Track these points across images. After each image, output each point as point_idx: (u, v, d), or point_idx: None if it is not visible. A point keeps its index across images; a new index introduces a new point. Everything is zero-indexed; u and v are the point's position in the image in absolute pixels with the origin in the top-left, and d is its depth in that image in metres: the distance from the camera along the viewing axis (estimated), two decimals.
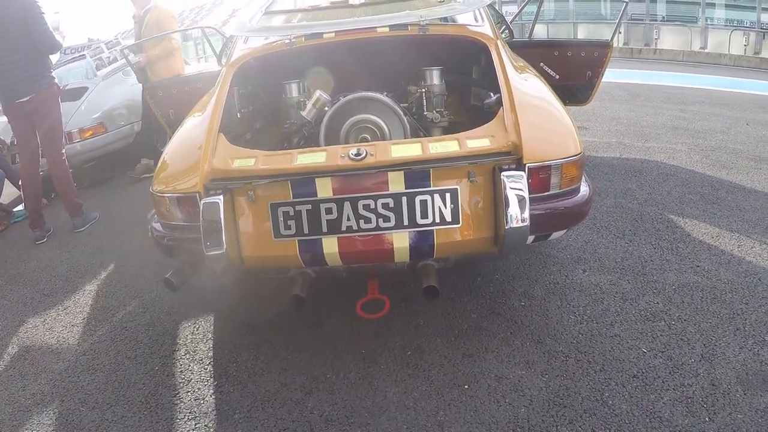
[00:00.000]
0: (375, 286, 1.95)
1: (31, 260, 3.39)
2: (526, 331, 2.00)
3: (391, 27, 2.17)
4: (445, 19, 2.40)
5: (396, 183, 1.66)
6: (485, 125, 1.80)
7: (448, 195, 1.67)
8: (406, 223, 1.68)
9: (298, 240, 1.73)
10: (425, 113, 2.32)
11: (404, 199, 1.66)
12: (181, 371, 2.04)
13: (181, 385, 1.96)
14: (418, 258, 1.76)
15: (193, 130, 2.05)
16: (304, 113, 2.20)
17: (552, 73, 3.69)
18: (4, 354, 2.37)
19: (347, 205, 1.68)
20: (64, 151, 3.63)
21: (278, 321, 2.22)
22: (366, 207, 1.68)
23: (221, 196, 1.67)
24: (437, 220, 1.68)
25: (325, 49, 2.26)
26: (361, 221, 1.69)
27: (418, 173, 1.65)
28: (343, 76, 2.54)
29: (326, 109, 2.14)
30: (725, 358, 1.80)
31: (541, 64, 3.67)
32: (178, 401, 1.88)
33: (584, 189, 1.84)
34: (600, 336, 1.95)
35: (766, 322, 1.97)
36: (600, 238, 2.69)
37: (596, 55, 3.60)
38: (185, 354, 2.13)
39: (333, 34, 2.19)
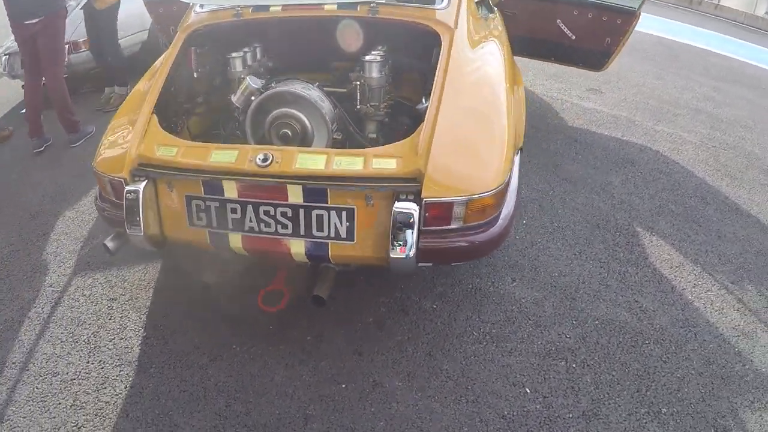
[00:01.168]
0: (282, 276, 2.17)
1: (26, 176, 3.81)
2: (423, 339, 2.19)
3: (340, 5, 2.21)
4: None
5: (295, 195, 1.79)
6: (400, 142, 1.85)
7: (344, 213, 1.79)
8: (302, 233, 1.85)
9: (208, 231, 1.96)
10: (358, 106, 2.34)
11: (302, 211, 1.82)
12: (120, 317, 2.41)
13: (118, 331, 2.34)
14: (316, 262, 1.94)
15: (134, 105, 2.23)
16: (234, 99, 2.29)
17: (568, 32, 3.49)
18: None
19: (250, 209, 1.86)
20: (65, 68, 3.90)
21: (216, 286, 2.51)
22: (266, 213, 1.85)
23: (143, 184, 1.89)
24: (332, 234, 1.83)
25: (271, 23, 2.32)
26: (262, 224, 1.87)
27: (316, 189, 1.77)
28: (288, 54, 2.62)
29: (253, 98, 2.20)
30: (606, 423, 1.83)
31: (558, 21, 3.46)
32: (112, 347, 2.27)
33: (500, 221, 1.86)
34: (491, 362, 2.09)
35: (672, 391, 1.95)
36: (548, 242, 2.73)
37: (619, 23, 3.32)
38: (128, 300, 2.50)
39: (280, 8, 2.23)
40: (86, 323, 2.41)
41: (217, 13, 2.39)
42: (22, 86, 4.28)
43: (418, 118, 2.29)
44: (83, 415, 2.02)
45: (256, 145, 2.22)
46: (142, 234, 1.91)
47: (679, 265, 2.59)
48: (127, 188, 1.89)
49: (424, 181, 1.68)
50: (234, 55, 2.49)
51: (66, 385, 2.15)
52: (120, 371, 2.16)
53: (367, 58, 2.28)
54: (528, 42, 3.90)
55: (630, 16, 3.29)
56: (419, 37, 2.26)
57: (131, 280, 2.62)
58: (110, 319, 2.41)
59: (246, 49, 2.54)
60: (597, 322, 2.25)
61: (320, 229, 1.82)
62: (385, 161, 1.75)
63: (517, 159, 2.10)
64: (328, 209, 1.79)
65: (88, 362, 2.22)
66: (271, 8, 2.27)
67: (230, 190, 1.85)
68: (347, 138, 2.31)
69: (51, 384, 2.17)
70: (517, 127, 2.11)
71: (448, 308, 2.33)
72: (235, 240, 1.93)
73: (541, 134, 3.91)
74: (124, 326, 2.36)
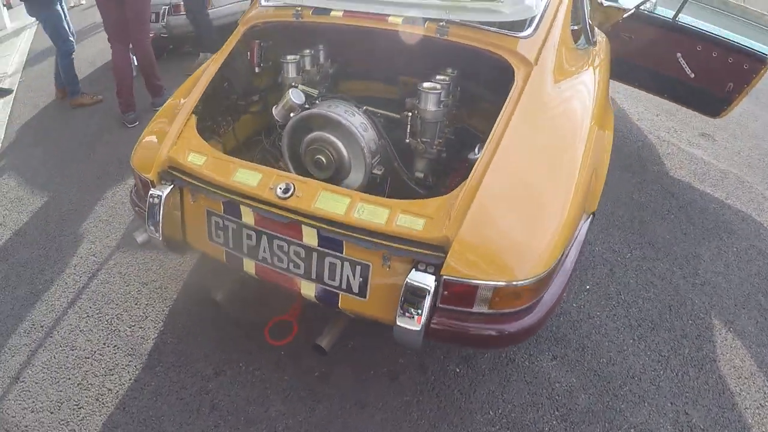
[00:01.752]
0: (297, 307, 2.09)
1: (103, 136, 4.01)
2: (433, 405, 2.02)
3: (405, 19, 2.01)
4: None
5: (309, 237, 1.67)
6: (434, 199, 1.63)
7: (358, 268, 1.64)
8: (313, 277, 1.73)
9: (225, 250, 1.89)
10: (408, 140, 2.14)
11: (315, 255, 1.70)
12: (146, 304, 2.46)
13: (140, 318, 2.39)
14: (325, 306, 1.82)
15: (184, 95, 2.22)
16: (274, 111, 2.15)
17: (687, 69, 3.11)
18: (43, 230, 3.01)
19: (264, 239, 1.78)
20: (151, 34, 4.02)
21: (233, 300, 2.47)
22: (280, 248, 1.76)
23: (167, 189, 1.86)
24: (344, 286, 1.69)
25: (331, 29, 2.20)
26: (275, 258, 1.78)
27: (331, 237, 1.62)
28: (350, 61, 2.51)
29: (291, 115, 2.08)
30: None
31: (678, 54, 3.08)
32: (130, 333, 2.33)
33: (540, 308, 1.59)
34: None
35: None
36: (607, 319, 2.42)
37: (746, 68, 2.89)
38: (158, 288, 2.54)
39: (341, 13, 2.12)
40: (114, 302, 2.48)
41: (278, 10, 2.28)
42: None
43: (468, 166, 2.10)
44: (85, 397, 2.08)
45: (290, 165, 2.15)
46: (160, 238, 1.90)
47: (750, 376, 2.21)
48: (152, 191, 1.87)
49: (449, 255, 1.48)
50: (289, 58, 2.38)
51: (79, 362, 2.22)
52: (129, 362, 2.20)
53: (425, 85, 2.06)
54: (641, 71, 3.51)
55: (759, 63, 2.83)
56: (494, 68, 1.99)
57: (167, 267, 2.67)
58: (136, 304, 2.47)
59: (306, 52, 2.43)
60: (633, 431, 1.96)
61: (332, 278, 1.69)
62: (411, 219, 1.56)
63: (584, 226, 1.83)
64: (342, 260, 1.65)
65: (104, 344, 2.28)
66: (332, 13, 2.13)
67: (247, 215, 1.76)
68: (390, 174, 2.12)
69: (67, 357, 2.25)
70: (592, 188, 1.85)
71: (472, 376, 2.13)
72: (249, 266, 1.86)
73: (635, 181, 3.51)
74: (147, 315, 2.40)
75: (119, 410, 2.03)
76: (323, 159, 1.98)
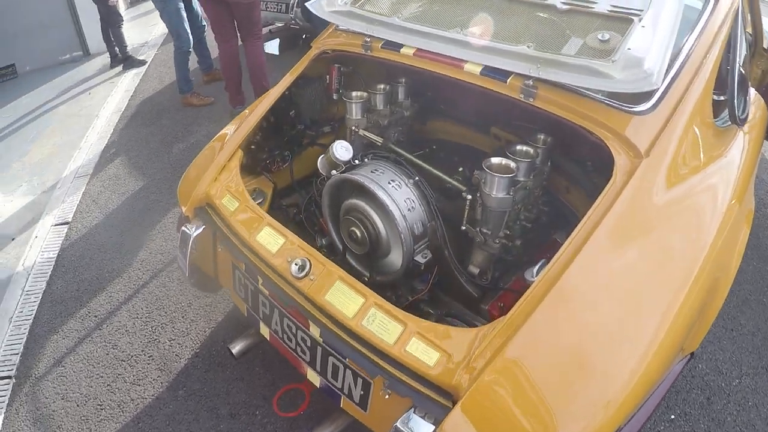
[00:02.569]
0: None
1: (214, 129, 4.20)
2: None
3: (484, 70, 1.71)
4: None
5: (315, 329, 1.53)
6: (462, 330, 1.34)
7: (360, 381, 1.49)
8: (318, 369, 1.63)
9: (246, 306, 1.89)
10: (464, 227, 1.77)
11: (319, 350, 1.59)
12: (191, 321, 2.53)
13: (181, 334, 2.46)
14: (328, 399, 1.69)
15: (235, 129, 2.12)
16: (319, 163, 1.94)
17: None
18: (126, 215, 3.21)
19: (277, 312, 1.72)
20: (261, 35, 4.03)
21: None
22: (289, 328, 1.69)
23: (199, 230, 1.83)
24: (346, 392, 1.56)
25: (402, 69, 1.99)
26: (285, 336, 1.72)
27: (333, 339, 1.45)
28: (429, 105, 2.32)
29: (333, 172, 1.85)
30: None
31: None
32: (168, 348, 2.40)
33: None
34: None
35: None
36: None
37: None
38: (208, 305, 2.61)
39: (412, 51, 1.89)
40: (164, 309, 2.59)
41: (351, 38, 2.09)
42: None
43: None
44: (109, 400, 2.18)
45: (330, 227, 1.96)
46: (186, 274, 1.91)
47: None
48: (184, 228, 1.85)
49: (454, 408, 1.18)
50: (354, 96, 2.16)
51: (116, 363, 2.34)
52: (158, 376, 2.27)
53: (493, 162, 1.66)
54: None
55: None
56: (593, 151, 1.62)
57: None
58: (183, 317, 2.55)
59: (379, 87, 2.20)
60: None
61: (335, 377, 1.56)
62: (425, 349, 1.30)
63: (678, 366, 1.46)
64: (344, 365, 1.51)
65: (142, 351, 2.38)
66: (403, 50, 1.90)
67: (263, 283, 1.68)
68: (440, 261, 1.75)
69: (107, 354, 2.38)
70: (697, 325, 1.44)
71: None
72: (264, 330, 1.83)
73: None
74: (188, 332, 2.48)
75: (133, 424, 2.10)
76: (358, 233, 1.75)
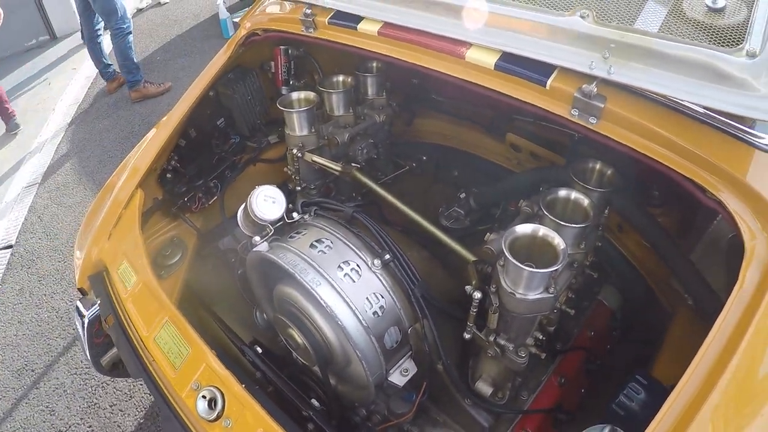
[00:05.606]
0: None
1: None
2: None
3: (502, 62, 1.07)
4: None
5: None
6: None
7: None
8: None
9: None
10: (468, 334, 1.17)
11: None
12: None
13: (124, 398, 2.20)
14: None
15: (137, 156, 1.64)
16: (238, 218, 1.36)
17: None
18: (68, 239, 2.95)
19: None
20: None
21: None
22: None
23: (93, 311, 1.38)
24: None
25: (365, 59, 1.45)
26: None
27: None
28: (393, 111, 1.65)
29: (256, 239, 1.27)
30: None
31: None
32: (109, 417, 2.15)
33: None
34: None
35: None
36: None
37: None
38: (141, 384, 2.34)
39: (376, 28, 1.25)
40: None
41: (287, 12, 1.49)
42: None
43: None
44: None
45: (257, 318, 1.45)
46: (89, 360, 1.49)
47: None
48: (77, 305, 1.42)
49: None
50: (293, 98, 1.56)
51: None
52: None
53: (519, 232, 1.04)
54: None
55: None
56: (703, 216, 1.14)
57: None
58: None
59: (336, 80, 1.59)
60: None
61: None
62: None
63: None
64: None
65: (81, 419, 2.14)
66: (360, 27, 1.29)
67: (161, 414, 1.28)
68: (431, 377, 1.22)
69: (44, 422, 2.15)
70: None
71: None
72: None
73: None
74: (132, 395, 2.22)
75: None
76: (297, 338, 1.21)
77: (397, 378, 1.18)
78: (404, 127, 1.92)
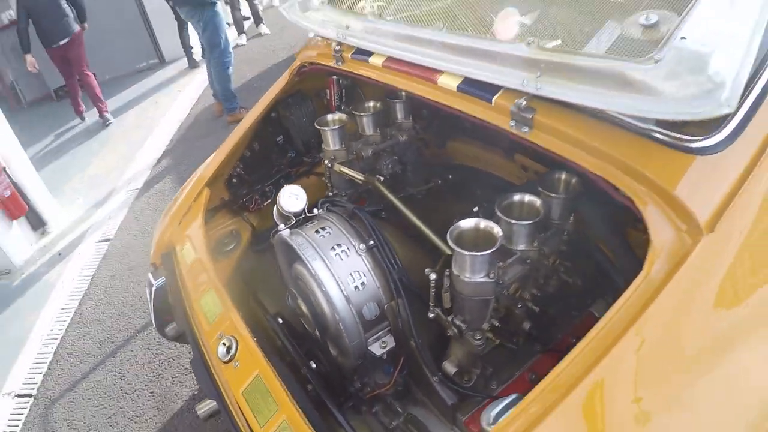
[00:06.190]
0: None
1: None
2: None
3: (463, 86, 1.31)
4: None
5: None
6: None
7: None
8: None
9: None
10: (431, 314, 1.35)
11: None
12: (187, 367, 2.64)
13: (185, 372, 2.57)
14: None
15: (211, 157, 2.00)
16: (274, 212, 1.70)
17: None
18: None
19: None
20: None
21: None
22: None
23: (160, 281, 1.73)
24: None
25: (372, 85, 1.70)
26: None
27: None
28: (416, 133, 1.92)
29: (281, 227, 1.56)
30: None
31: None
32: (169, 387, 2.52)
33: None
34: None
35: None
36: None
37: None
38: None
39: (381, 61, 1.59)
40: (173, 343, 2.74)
41: (325, 48, 1.83)
42: None
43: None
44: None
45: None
46: (153, 326, 1.86)
47: None
48: (149, 276, 1.78)
49: None
50: (329, 120, 1.87)
51: (120, 395, 2.51)
52: (154, 415, 2.39)
53: (462, 228, 1.25)
54: None
55: None
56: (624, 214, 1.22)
57: None
58: (190, 353, 2.67)
59: (368, 106, 1.90)
60: None
61: None
62: None
63: None
64: None
65: (145, 385, 2.53)
66: (371, 60, 1.61)
67: (192, 357, 1.59)
68: (407, 353, 1.44)
69: (114, 385, 2.56)
70: None
71: None
72: None
73: None
74: (191, 371, 2.59)
75: None
76: (303, 308, 1.49)
77: (377, 349, 1.42)
78: (437, 150, 2.18)
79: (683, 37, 0.95)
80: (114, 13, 6.29)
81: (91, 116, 5.66)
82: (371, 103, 1.90)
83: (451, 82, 1.35)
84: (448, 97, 1.36)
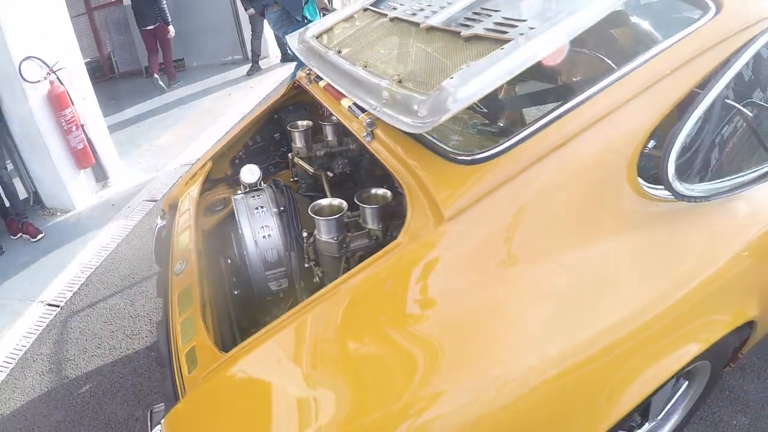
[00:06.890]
0: None
1: None
2: None
3: (351, 106, 1.82)
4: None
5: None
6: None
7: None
8: None
9: None
10: (307, 264, 1.84)
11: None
12: None
13: None
14: None
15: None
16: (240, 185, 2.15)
17: None
18: None
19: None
20: None
21: None
22: None
23: (162, 222, 2.28)
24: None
25: (320, 106, 2.22)
26: None
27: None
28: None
29: (238, 192, 2.04)
30: None
31: None
32: None
33: None
34: None
35: None
36: None
37: None
38: None
39: (324, 85, 2.08)
40: None
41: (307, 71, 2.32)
42: None
43: None
44: (109, 345, 2.92)
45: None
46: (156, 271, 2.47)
47: None
48: (158, 218, 2.38)
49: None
50: (298, 125, 2.37)
51: (129, 319, 3.09)
52: (149, 334, 2.95)
53: (322, 204, 1.79)
54: None
55: None
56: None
57: None
58: None
59: (334, 118, 2.26)
60: None
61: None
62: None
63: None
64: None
65: (149, 320, 3.11)
66: (321, 83, 2.10)
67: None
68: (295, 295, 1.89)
69: (125, 309, 3.15)
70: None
71: None
72: None
73: None
74: None
75: (110, 366, 2.80)
76: (236, 247, 1.98)
77: (273, 285, 1.87)
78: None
79: (462, 69, 1.35)
80: (212, 10, 7.19)
81: (171, 96, 6.51)
82: (303, 122, 2.41)
83: (346, 104, 1.85)
84: (344, 116, 1.86)
